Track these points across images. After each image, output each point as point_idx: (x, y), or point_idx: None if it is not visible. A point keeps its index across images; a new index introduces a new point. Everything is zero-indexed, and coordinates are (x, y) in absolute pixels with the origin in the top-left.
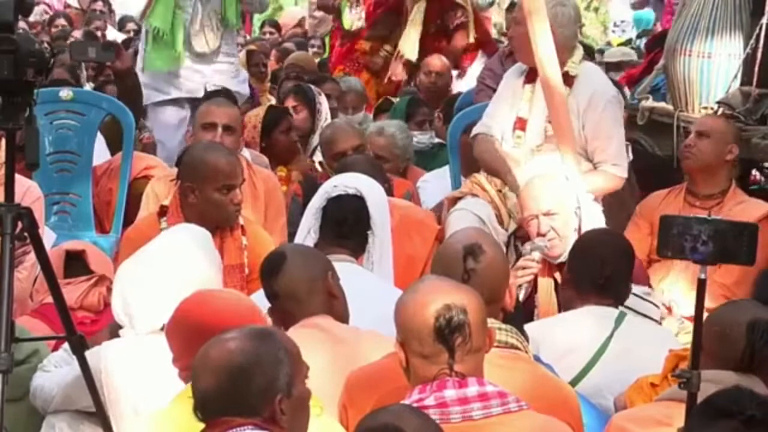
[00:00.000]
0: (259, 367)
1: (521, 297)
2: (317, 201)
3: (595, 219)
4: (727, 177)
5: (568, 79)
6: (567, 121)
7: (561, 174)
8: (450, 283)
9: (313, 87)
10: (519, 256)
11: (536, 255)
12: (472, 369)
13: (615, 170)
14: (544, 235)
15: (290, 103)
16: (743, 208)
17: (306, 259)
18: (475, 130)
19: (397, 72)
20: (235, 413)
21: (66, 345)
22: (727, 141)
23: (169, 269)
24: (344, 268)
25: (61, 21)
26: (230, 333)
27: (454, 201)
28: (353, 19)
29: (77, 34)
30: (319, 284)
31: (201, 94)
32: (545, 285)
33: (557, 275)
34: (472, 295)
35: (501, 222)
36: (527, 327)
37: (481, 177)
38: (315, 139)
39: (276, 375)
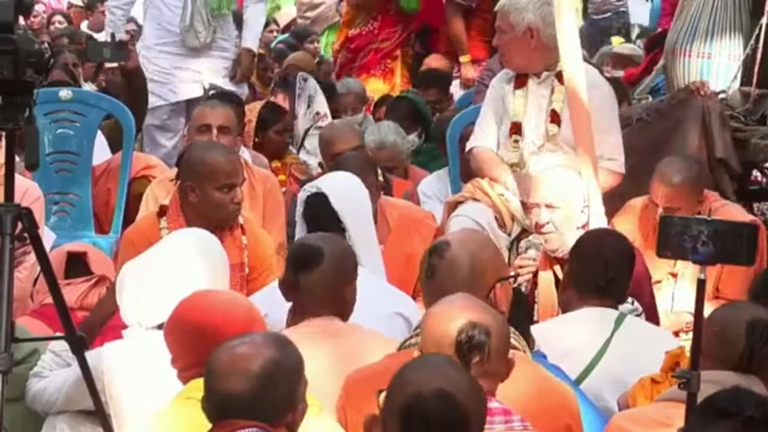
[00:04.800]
0: (286, 375)
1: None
2: (298, 208)
3: (601, 219)
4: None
5: (562, 78)
6: (589, 130)
7: (576, 170)
8: (481, 305)
9: (302, 73)
10: None
11: (532, 252)
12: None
13: (611, 165)
14: (542, 226)
15: (277, 96)
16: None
17: (341, 264)
18: (469, 145)
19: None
20: (259, 418)
21: (52, 347)
22: (696, 197)
23: (176, 267)
24: None
25: (58, 18)
26: (254, 337)
27: (455, 205)
28: None
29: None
30: (342, 291)
31: (199, 93)
32: (546, 278)
33: (557, 269)
34: (499, 320)
35: (504, 226)
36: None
37: (483, 180)
38: (298, 127)
39: (298, 385)
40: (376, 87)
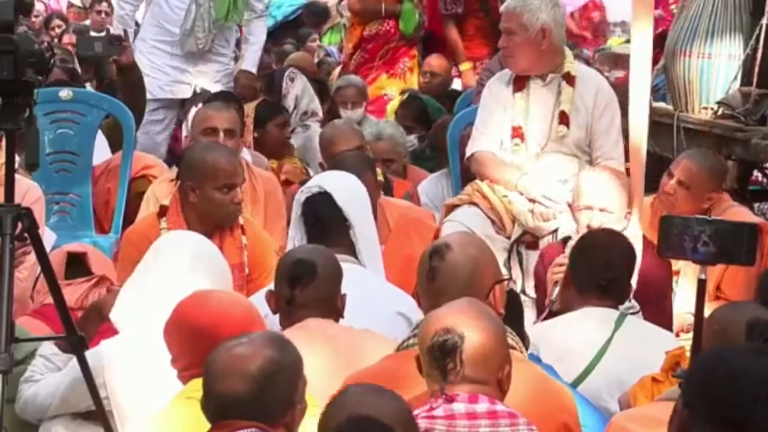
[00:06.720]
0: (285, 376)
1: (555, 294)
2: (295, 210)
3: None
4: (708, 205)
5: (571, 80)
6: (641, 182)
7: (624, 177)
8: (472, 310)
9: (290, 72)
10: (522, 262)
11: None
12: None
13: (611, 164)
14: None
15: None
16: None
17: (334, 275)
18: (469, 149)
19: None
20: (258, 418)
21: (42, 351)
22: (708, 190)
23: (174, 280)
24: (346, 267)
25: (57, 22)
26: (253, 337)
27: (453, 208)
28: (420, 20)
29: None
30: (335, 300)
31: (188, 95)
32: None
33: None
34: (484, 326)
35: (503, 229)
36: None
37: (482, 183)
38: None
39: (297, 385)
40: (395, 86)
